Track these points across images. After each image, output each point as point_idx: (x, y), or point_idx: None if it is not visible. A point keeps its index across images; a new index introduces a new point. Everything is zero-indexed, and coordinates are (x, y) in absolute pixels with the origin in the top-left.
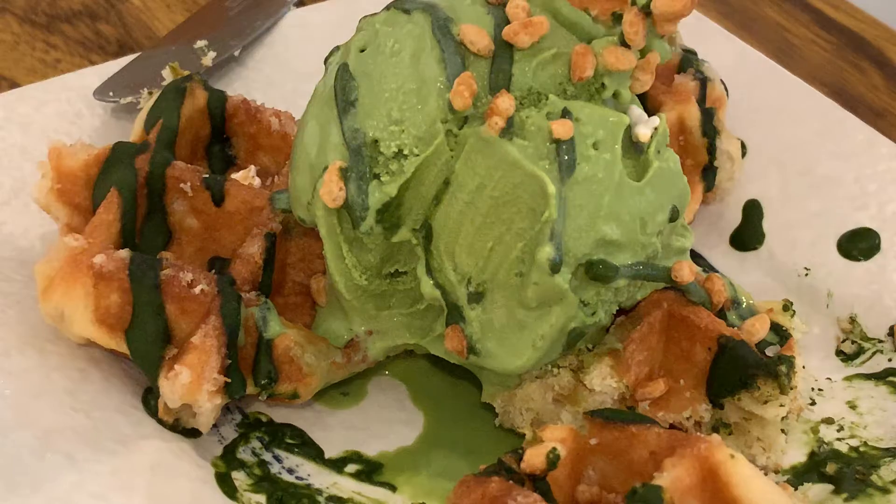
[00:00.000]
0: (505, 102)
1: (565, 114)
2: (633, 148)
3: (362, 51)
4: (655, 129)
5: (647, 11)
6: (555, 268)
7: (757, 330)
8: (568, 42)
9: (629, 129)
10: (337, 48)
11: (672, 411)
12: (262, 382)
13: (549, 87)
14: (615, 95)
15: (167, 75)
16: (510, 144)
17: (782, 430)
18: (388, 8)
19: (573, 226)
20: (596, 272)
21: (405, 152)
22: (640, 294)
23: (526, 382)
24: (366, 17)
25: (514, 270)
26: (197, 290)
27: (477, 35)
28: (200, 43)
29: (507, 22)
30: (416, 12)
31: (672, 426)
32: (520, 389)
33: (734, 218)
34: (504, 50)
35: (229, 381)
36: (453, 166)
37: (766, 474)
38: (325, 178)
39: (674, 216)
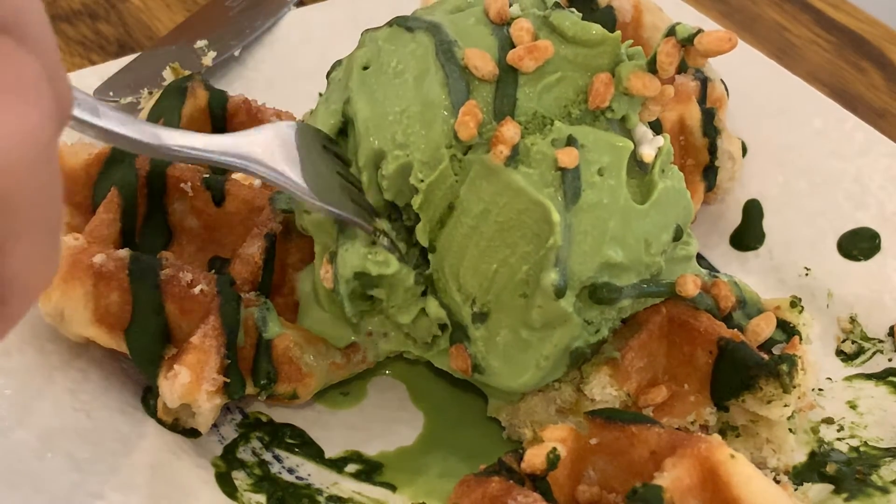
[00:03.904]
0: (510, 131)
1: (570, 141)
2: (638, 167)
3: (365, 68)
4: (660, 148)
5: (684, 44)
6: (560, 293)
7: (763, 329)
8: (572, 65)
9: (634, 150)
10: (339, 62)
11: (676, 416)
12: (262, 383)
13: (553, 110)
14: (623, 119)
15: (168, 76)
16: (515, 172)
17: (790, 430)
18: (390, 24)
19: (578, 251)
20: (600, 296)
21: None
22: (643, 307)
23: (528, 396)
24: (368, 30)
25: (518, 292)
26: (196, 290)
27: (481, 60)
28: (200, 43)
29: (511, 43)
30: (419, 31)
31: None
32: (523, 403)
33: (734, 218)
34: (508, 74)
35: (228, 381)
36: (458, 191)
37: (777, 475)
38: None
39: (678, 235)
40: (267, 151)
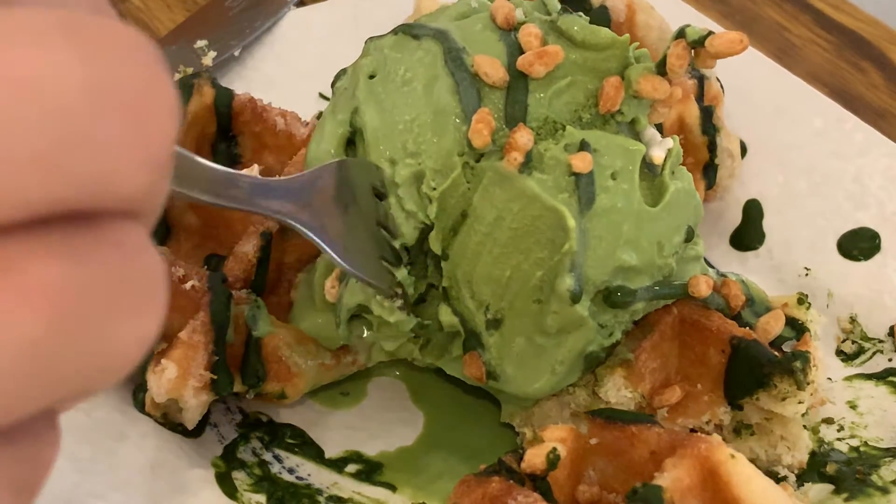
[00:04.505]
0: (523, 137)
1: (583, 146)
2: (647, 169)
3: (371, 77)
4: (669, 150)
5: (694, 46)
6: (575, 298)
7: (772, 327)
8: (581, 69)
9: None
10: (343, 71)
11: (691, 416)
12: (250, 381)
13: (564, 115)
14: (633, 122)
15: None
16: (529, 179)
17: (804, 427)
18: (395, 32)
19: (593, 256)
20: (614, 299)
21: None
22: (655, 308)
23: (543, 400)
24: (372, 38)
25: (532, 298)
26: (188, 285)
27: (491, 66)
28: (200, 43)
29: (520, 49)
30: (426, 39)
31: (693, 431)
32: (537, 408)
33: (734, 218)
34: (519, 80)
35: (216, 377)
36: (471, 199)
37: (792, 472)
38: None
39: (689, 236)
40: (309, 207)
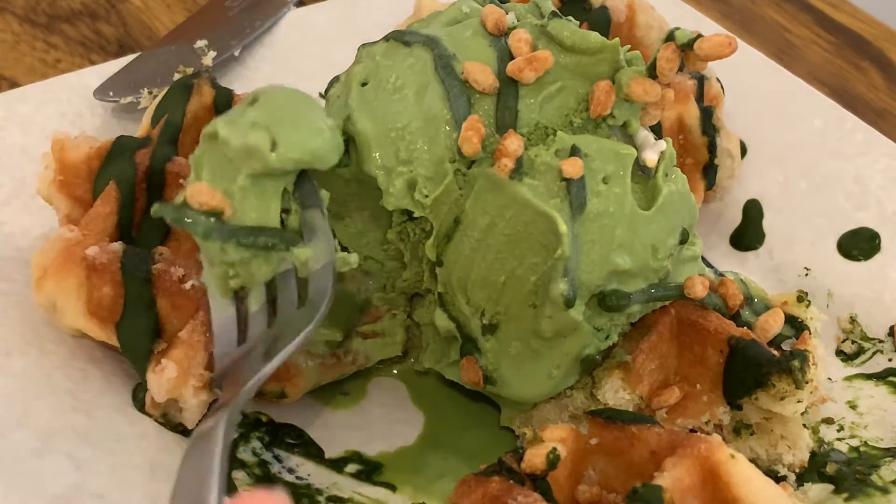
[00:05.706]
0: (513, 144)
1: (574, 151)
2: (641, 171)
3: (364, 85)
4: (662, 152)
5: (684, 49)
6: (569, 303)
7: (770, 325)
8: (572, 74)
9: (636, 155)
10: (336, 78)
11: (690, 416)
12: None
13: (555, 120)
14: (624, 125)
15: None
16: (521, 185)
17: (804, 426)
18: (386, 39)
19: (586, 260)
20: (609, 303)
21: None
22: (651, 310)
23: (541, 403)
24: (364, 45)
25: (527, 303)
26: (187, 285)
27: (481, 73)
28: (200, 43)
29: (510, 55)
30: (416, 46)
31: (693, 431)
32: (536, 411)
33: (734, 218)
34: (509, 86)
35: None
36: (463, 205)
37: (792, 472)
38: None
39: (684, 238)
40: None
